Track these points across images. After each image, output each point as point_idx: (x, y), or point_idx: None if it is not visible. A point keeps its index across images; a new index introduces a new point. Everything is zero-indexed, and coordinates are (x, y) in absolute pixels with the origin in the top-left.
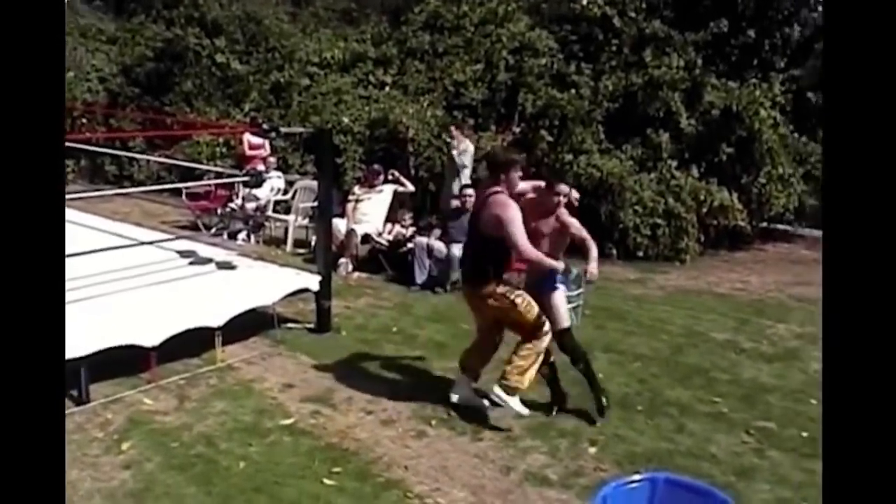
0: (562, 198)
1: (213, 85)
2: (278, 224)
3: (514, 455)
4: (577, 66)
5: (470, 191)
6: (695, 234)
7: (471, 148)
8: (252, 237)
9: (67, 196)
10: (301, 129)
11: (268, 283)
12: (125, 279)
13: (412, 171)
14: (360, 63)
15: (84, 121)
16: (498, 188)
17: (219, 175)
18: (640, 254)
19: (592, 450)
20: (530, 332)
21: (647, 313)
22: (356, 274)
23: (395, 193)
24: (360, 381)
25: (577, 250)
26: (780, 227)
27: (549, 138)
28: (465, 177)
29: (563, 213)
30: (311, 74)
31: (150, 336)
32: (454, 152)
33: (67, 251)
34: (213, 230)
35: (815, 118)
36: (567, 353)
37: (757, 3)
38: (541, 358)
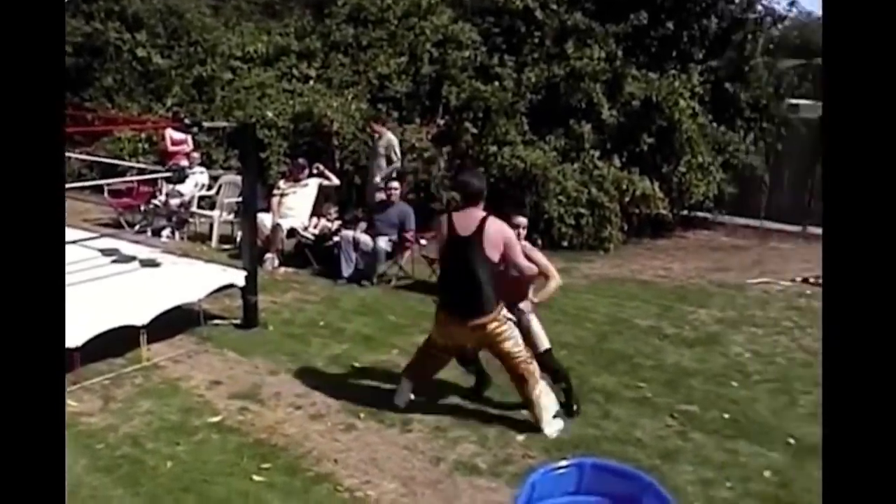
0: (521, 230)
1: (134, 80)
2: (203, 220)
3: (443, 445)
4: (500, 58)
5: (395, 184)
6: (618, 223)
7: (395, 140)
8: (176, 234)
9: None
10: (224, 124)
11: (193, 279)
12: None
13: (337, 165)
14: (284, 57)
15: None
16: (484, 213)
17: (141, 171)
18: (565, 243)
19: (520, 438)
20: (518, 362)
21: (572, 302)
22: (282, 269)
23: (321, 187)
24: (287, 376)
25: None
26: (700, 214)
27: (474, 130)
28: (394, 170)
29: (527, 246)
30: (234, 68)
31: (73, 336)
32: (380, 149)
33: None
34: (137, 227)
35: (733, 108)
36: (549, 373)
37: None
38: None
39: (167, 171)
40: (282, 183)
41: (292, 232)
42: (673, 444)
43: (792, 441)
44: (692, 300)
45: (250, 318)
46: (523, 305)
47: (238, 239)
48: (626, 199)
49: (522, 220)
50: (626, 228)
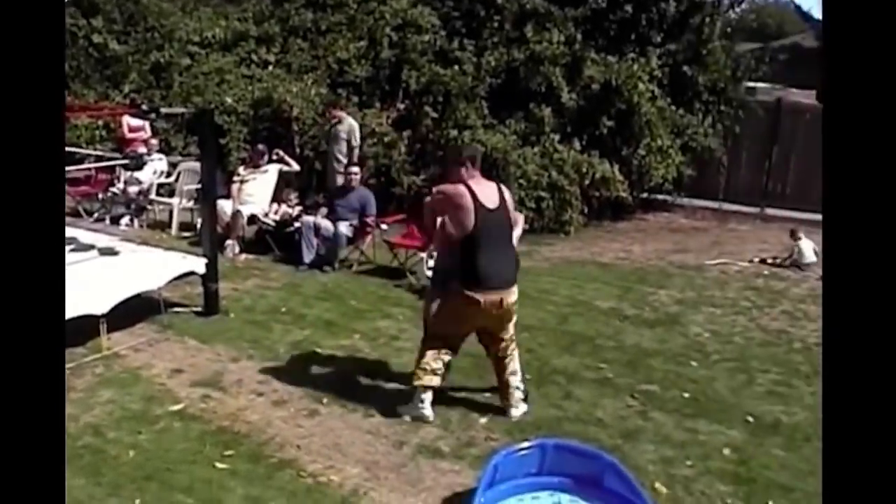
0: None
1: (90, 66)
2: (162, 207)
3: (406, 429)
4: (459, 42)
5: (355, 169)
6: (578, 206)
7: (355, 125)
8: (135, 221)
9: None
10: (183, 110)
11: (153, 267)
12: None
13: (297, 151)
14: (243, 42)
15: None
16: (494, 181)
17: (99, 159)
18: (526, 226)
19: (483, 420)
20: (512, 340)
21: (533, 284)
22: (243, 255)
23: (281, 173)
24: (249, 362)
25: None
26: (660, 197)
27: (434, 114)
28: (355, 155)
29: None
30: (192, 54)
31: None
32: (341, 134)
33: None
34: (95, 216)
35: (691, 91)
36: None
37: None
38: None
39: (125, 158)
40: (241, 169)
41: (253, 218)
42: (634, 424)
43: (750, 419)
44: (652, 282)
45: (211, 305)
46: None
47: (198, 226)
48: (587, 182)
49: None
50: (586, 211)
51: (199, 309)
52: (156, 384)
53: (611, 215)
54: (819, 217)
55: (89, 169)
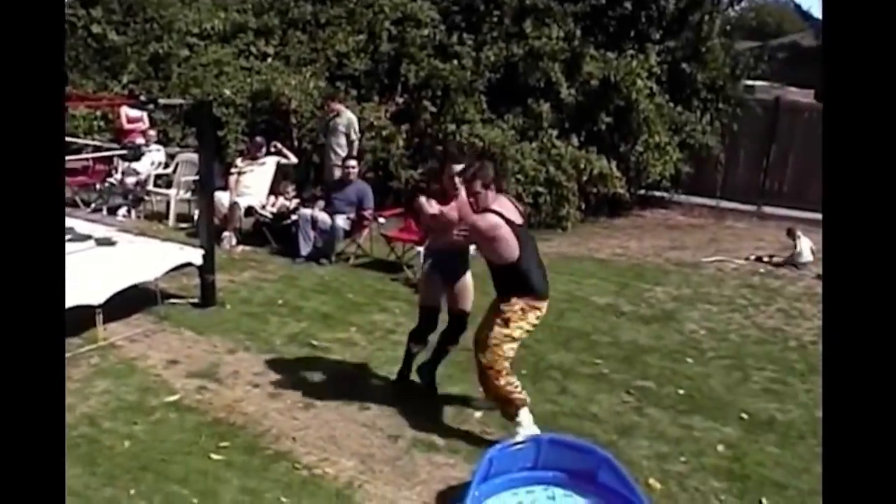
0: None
1: (89, 57)
2: (160, 198)
3: (401, 422)
4: (459, 36)
5: (353, 162)
6: (575, 202)
7: (354, 118)
8: (132, 212)
9: None
10: (181, 102)
11: (150, 258)
12: None
13: (295, 143)
14: (241, 34)
15: None
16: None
17: (97, 149)
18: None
19: (478, 414)
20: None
21: None
22: (240, 247)
23: (278, 165)
24: (245, 354)
25: None
26: (657, 194)
27: (432, 109)
28: (354, 148)
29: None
30: (190, 45)
31: None
32: (340, 127)
33: None
34: (92, 206)
35: (690, 88)
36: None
37: None
38: None
39: (123, 148)
40: (239, 161)
41: (250, 210)
42: (629, 420)
43: (745, 416)
44: (648, 278)
45: (208, 296)
46: None
47: (195, 217)
48: (584, 178)
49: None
50: (583, 207)
51: (195, 300)
52: (151, 375)
53: (608, 211)
54: (816, 216)
55: (87, 159)
